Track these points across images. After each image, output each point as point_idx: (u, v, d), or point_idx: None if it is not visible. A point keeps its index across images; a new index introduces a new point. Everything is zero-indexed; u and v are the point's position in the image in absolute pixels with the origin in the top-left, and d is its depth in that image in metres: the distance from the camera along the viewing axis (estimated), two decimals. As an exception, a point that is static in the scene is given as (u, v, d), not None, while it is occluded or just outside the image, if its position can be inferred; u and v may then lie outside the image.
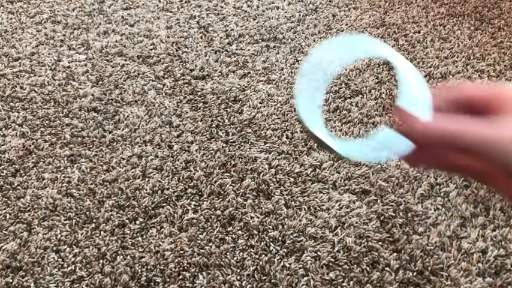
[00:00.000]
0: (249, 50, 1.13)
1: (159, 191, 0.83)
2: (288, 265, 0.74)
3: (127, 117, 0.96)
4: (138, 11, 1.24)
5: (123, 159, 0.89)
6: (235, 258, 0.75)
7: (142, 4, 1.26)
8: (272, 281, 0.73)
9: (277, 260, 0.75)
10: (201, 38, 1.16)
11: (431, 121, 0.29)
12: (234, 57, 1.11)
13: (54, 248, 0.76)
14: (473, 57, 1.12)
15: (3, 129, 0.93)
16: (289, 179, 0.86)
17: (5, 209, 0.81)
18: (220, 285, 0.72)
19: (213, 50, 1.13)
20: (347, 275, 0.73)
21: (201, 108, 0.99)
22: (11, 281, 0.72)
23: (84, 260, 0.74)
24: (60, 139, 0.92)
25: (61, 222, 0.79)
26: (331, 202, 0.82)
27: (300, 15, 1.24)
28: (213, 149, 0.91)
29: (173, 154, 0.90)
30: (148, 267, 0.74)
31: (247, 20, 1.22)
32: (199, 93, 1.02)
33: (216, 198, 0.83)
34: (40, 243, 0.76)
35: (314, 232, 0.78)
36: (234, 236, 0.78)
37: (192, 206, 0.82)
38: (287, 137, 0.93)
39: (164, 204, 0.82)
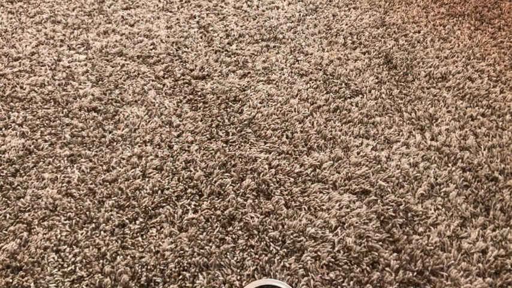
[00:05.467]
0: (249, 50, 1.13)
1: (159, 191, 0.83)
2: (288, 265, 0.74)
3: (127, 117, 0.96)
4: (138, 11, 1.24)
5: (123, 159, 0.89)
6: (235, 258, 0.75)
7: (142, 4, 1.26)
8: (272, 281, 0.73)
9: (277, 260, 0.75)
10: (201, 38, 1.16)
11: None
12: (234, 57, 1.11)
13: (54, 248, 0.76)
14: (473, 57, 1.12)
15: (3, 129, 0.93)
16: (289, 179, 0.86)
17: (5, 209, 0.81)
18: (220, 285, 0.72)
19: (213, 50, 1.13)
20: (347, 275, 0.73)
21: (201, 108, 0.99)
22: (11, 281, 0.72)
23: (84, 260, 0.74)
24: (60, 139, 0.92)
25: (61, 222, 0.79)
26: (331, 202, 0.82)
27: (300, 15, 1.24)
28: (213, 149, 0.91)
29: (173, 154, 0.90)
30: (148, 267, 0.74)
31: (247, 20, 1.22)
32: (199, 93, 1.02)
33: (216, 198, 0.83)
34: (40, 243, 0.76)
35: (314, 232, 0.78)
36: (234, 236, 0.78)
37: (192, 206, 0.82)
38: (287, 137, 0.93)
39: (164, 204, 0.82)
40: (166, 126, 0.95)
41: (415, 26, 1.22)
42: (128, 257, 0.75)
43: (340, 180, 0.86)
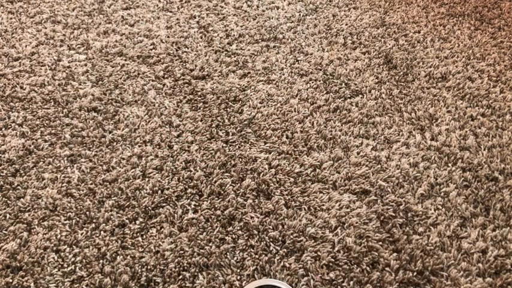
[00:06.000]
0: (249, 50, 1.13)
1: (159, 191, 0.83)
2: (288, 265, 0.74)
3: (127, 117, 0.96)
4: (138, 11, 1.24)
5: (123, 159, 0.89)
6: (235, 258, 0.75)
7: (142, 4, 1.26)
8: (272, 281, 0.73)
9: (277, 260, 0.75)
10: (201, 38, 1.17)
11: None
12: (234, 57, 1.11)
13: (54, 248, 0.76)
14: (473, 57, 1.12)
15: (3, 129, 0.94)
16: (289, 179, 0.86)
17: (5, 209, 0.81)
18: (220, 285, 0.72)
19: (213, 50, 1.13)
20: (347, 275, 0.73)
21: (201, 108, 0.99)
22: (11, 281, 0.72)
23: (84, 260, 0.74)
24: (60, 139, 0.92)
25: (61, 222, 0.79)
26: (331, 202, 0.82)
27: (300, 15, 1.24)
28: (213, 149, 0.91)
29: (173, 154, 0.90)
30: (148, 267, 0.74)
31: (247, 20, 1.22)
32: (199, 93, 1.02)
33: (216, 198, 0.83)
34: (40, 243, 0.76)
35: (314, 232, 0.78)
36: (234, 236, 0.78)
37: (192, 206, 0.82)
38: (287, 137, 0.93)
39: (164, 204, 0.82)
40: (166, 126, 0.95)
41: (415, 26, 1.22)
42: (128, 257, 0.75)
43: (340, 180, 0.86)
